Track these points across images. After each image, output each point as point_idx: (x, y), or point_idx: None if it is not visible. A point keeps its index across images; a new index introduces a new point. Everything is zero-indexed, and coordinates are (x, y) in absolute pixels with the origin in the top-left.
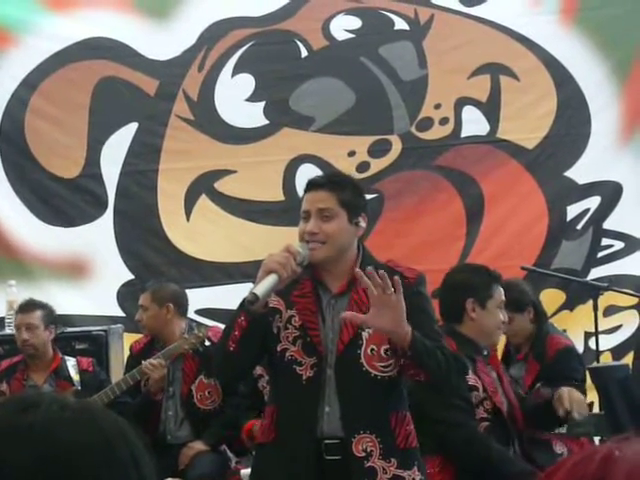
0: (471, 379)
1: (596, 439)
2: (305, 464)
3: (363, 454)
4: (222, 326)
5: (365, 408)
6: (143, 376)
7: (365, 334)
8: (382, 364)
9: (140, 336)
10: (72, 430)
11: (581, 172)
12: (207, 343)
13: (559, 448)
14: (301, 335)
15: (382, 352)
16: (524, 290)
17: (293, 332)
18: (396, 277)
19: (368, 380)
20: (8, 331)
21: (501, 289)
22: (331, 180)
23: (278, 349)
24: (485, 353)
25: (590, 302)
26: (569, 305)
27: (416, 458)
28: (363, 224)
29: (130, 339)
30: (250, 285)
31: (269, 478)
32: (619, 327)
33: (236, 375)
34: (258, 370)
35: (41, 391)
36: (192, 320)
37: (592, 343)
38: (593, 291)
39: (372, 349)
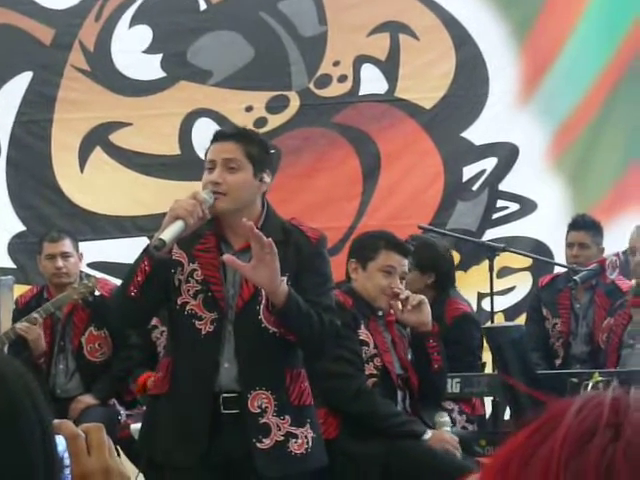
0: (363, 334)
1: (488, 399)
2: (199, 416)
3: (258, 410)
4: (112, 279)
5: (262, 364)
6: (18, 337)
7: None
8: None
9: (27, 289)
10: None
11: (478, 133)
12: (97, 294)
13: (449, 404)
14: (203, 290)
15: None
16: (436, 254)
17: (194, 286)
18: (269, 239)
19: (266, 336)
20: None
21: (394, 256)
22: (240, 132)
23: (178, 302)
24: (380, 314)
25: (484, 263)
26: (463, 266)
27: (309, 416)
28: (267, 180)
29: (20, 291)
30: (144, 239)
31: (162, 430)
32: (512, 289)
33: (135, 322)
34: (153, 321)
35: None
36: (81, 272)
37: (485, 304)
38: (489, 252)
39: None
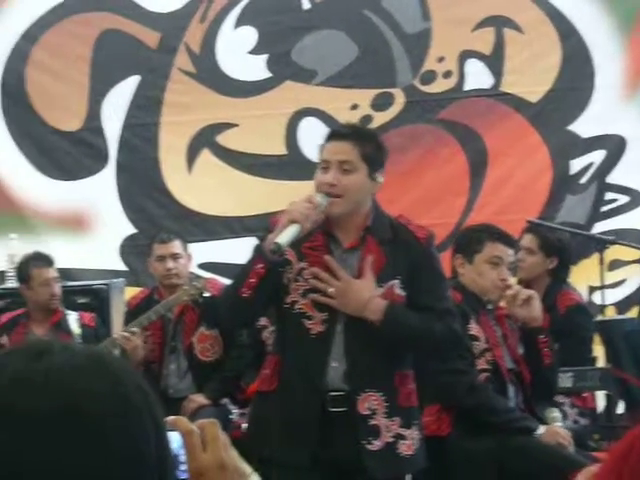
0: (473, 329)
1: (600, 393)
2: (308, 413)
3: (368, 412)
4: (221, 279)
5: (372, 365)
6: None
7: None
8: None
9: (138, 291)
10: (86, 377)
11: (585, 126)
12: (206, 294)
13: (561, 398)
14: (312, 289)
15: None
16: (562, 240)
17: (304, 285)
18: (369, 258)
19: (376, 337)
20: (9, 285)
21: (499, 246)
22: (356, 132)
23: (287, 300)
24: (489, 307)
25: (594, 256)
26: (573, 260)
27: (416, 417)
28: (381, 179)
29: (131, 293)
30: (253, 239)
31: (271, 427)
32: (623, 281)
33: (245, 321)
34: (262, 321)
35: (49, 338)
36: (191, 272)
37: (596, 297)
38: (599, 245)
39: None
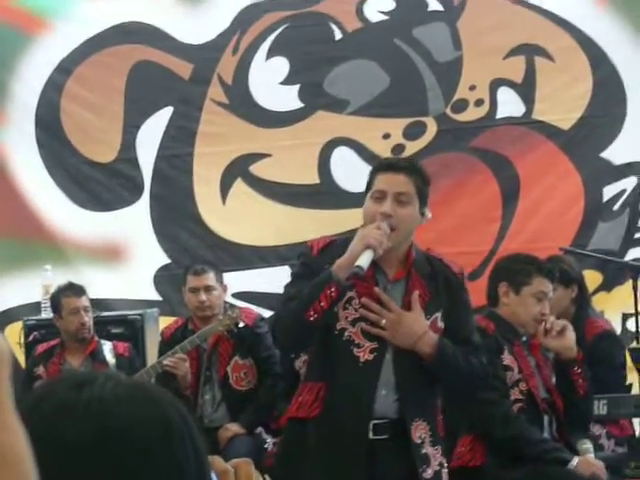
0: (507, 359)
1: (636, 420)
2: (354, 442)
3: (419, 441)
4: (256, 308)
5: (420, 394)
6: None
7: None
8: None
9: (172, 320)
10: (130, 405)
11: (617, 153)
12: (241, 324)
13: (597, 429)
14: (361, 318)
15: None
16: (572, 267)
17: (353, 314)
18: (416, 292)
19: (423, 366)
20: (44, 315)
21: (546, 282)
22: (411, 165)
23: (337, 327)
24: (524, 339)
25: (627, 283)
26: (607, 287)
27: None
28: (429, 215)
29: (165, 322)
30: (286, 268)
31: (306, 452)
32: None
33: (306, 346)
34: None
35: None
36: (225, 302)
37: (630, 324)
38: (633, 272)
39: None
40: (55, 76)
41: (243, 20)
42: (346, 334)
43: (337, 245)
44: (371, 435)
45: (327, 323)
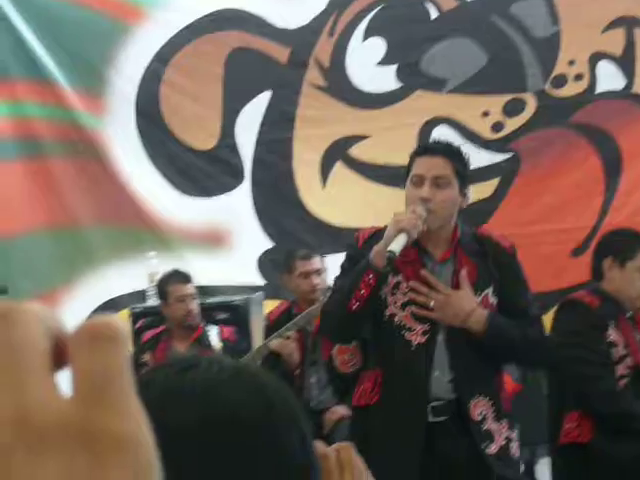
0: (612, 335)
1: None
2: (414, 425)
3: (479, 418)
4: None
5: (477, 372)
6: (271, 353)
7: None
8: None
9: (277, 304)
10: (234, 389)
11: None
12: None
13: None
14: (410, 302)
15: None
16: None
17: (401, 298)
18: (463, 270)
19: (478, 343)
20: (149, 303)
21: None
22: (449, 148)
23: (386, 314)
24: (629, 315)
25: None
26: None
27: (512, 419)
28: (470, 195)
29: (270, 306)
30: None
31: (375, 439)
32: None
33: (353, 336)
34: None
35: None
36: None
37: None
38: None
39: None
40: (154, 65)
41: (339, 2)
42: (397, 319)
43: (381, 234)
44: (430, 418)
45: (377, 311)
